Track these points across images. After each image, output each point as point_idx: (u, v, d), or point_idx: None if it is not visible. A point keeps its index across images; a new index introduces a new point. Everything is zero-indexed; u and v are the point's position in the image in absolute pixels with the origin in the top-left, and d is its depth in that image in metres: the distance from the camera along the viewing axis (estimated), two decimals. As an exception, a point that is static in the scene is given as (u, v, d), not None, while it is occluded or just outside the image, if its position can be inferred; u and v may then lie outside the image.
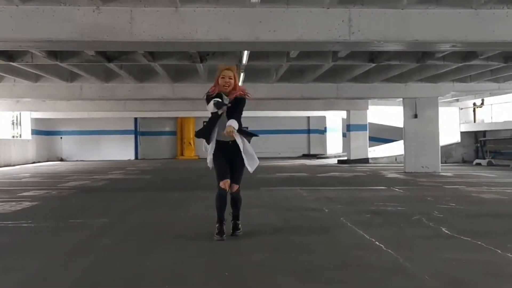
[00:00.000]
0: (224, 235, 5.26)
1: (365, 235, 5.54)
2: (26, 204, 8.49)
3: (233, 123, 4.98)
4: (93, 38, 6.98)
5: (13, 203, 8.58)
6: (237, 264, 4.31)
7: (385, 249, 4.82)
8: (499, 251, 4.66)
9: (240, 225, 5.50)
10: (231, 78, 5.13)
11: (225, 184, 5.16)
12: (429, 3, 7.26)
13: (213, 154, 5.20)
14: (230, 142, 5.19)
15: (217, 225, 5.29)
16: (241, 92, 5.24)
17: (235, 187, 5.32)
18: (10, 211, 7.69)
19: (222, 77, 5.13)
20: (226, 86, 5.12)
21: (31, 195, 9.97)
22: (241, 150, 5.18)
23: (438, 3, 7.28)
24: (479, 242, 5.05)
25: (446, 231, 5.71)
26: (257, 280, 3.86)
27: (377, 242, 5.12)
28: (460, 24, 7.26)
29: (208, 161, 5.33)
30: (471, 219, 6.75)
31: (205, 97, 5.23)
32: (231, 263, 4.35)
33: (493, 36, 7.36)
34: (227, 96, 5.17)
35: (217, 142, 5.22)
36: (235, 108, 5.16)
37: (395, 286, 3.68)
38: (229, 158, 5.23)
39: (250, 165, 5.27)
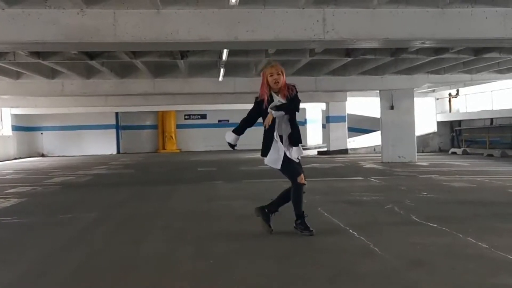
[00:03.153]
0: (313, 231, 5.21)
1: (340, 223, 5.95)
2: (14, 200, 8.73)
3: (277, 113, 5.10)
4: (78, 40, 7.22)
5: (1, 199, 8.81)
6: (221, 252, 4.68)
7: (357, 236, 5.23)
8: (461, 235, 5.10)
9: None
10: (279, 74, 5.16)
11: (302, 179, 5.18)
12: (399, 3, 7.66)
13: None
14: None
15: (299, 222, 5.21)
16: (292, 89, 5.22)
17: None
18: (0, 208, 7.94)
19: (271, 75, 5.16)
20: (276, 82, 5.16)
21: (18, 191, 10.19)
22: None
23: (407, 2, 7.68)
24: (444, 228, 5.49)
25: (415, 218, 6.15)
26: (239, 266, 4.23)
27: (351, 230, 5.52)
28: (427, 23, 7.68)
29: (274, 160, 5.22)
30: (440, 206, 7.22)
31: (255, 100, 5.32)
32: (216, 251, 4.72)
33: (459, 34, 7.80)
34: (277, 94, 5.18)
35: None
36: (291, 105, 5.22)
37: (364, 267, 4.08)
38: None
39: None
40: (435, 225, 5.66)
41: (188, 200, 8.51)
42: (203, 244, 5.04)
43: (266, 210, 5.39)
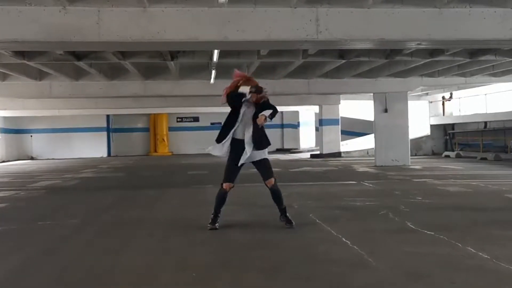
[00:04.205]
0: (217, 225, 5.74)
1: (332, 231, 5.68)
2: (-5, 206, 8.40)
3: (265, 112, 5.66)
4: (60, 39, 6.93)
5: (-18, 205, 8.48)
6: (205, 263, 4.40)
7: (351, 245, 4.96)
8: (459, 244, 4.85)
9: (290, 217, 5.89)
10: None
11: (227, 186, 5.69)
12: (394, 3, 7.42)
13: (229, 153, 5.66)
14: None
15: (211, 216, 5.78)
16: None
17: (271, 181, 5.78)
18: (-21, 213, 7.61)
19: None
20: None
21: (0, 196, 9.84)
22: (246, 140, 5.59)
23: (403, 2, 7.44)
24: (441, 236, 5.24)
25: (411, 225, 5.89)
26: (224, 279, 3.94)
27: (343, 238, 5.25)
28: (424, 23, 7.44)
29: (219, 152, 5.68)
30: (436, 212, 6.97)
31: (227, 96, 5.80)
32: (199, 262, 4.43)
33: (456, 34, 7.57)
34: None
35: (233, 140, 5.61)
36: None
37: (358, 280, 3.82)
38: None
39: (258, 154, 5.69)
40: (432, 233, 5.41)
41: (175, 206, 8.21)
42: (185, 254, 4.75)
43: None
